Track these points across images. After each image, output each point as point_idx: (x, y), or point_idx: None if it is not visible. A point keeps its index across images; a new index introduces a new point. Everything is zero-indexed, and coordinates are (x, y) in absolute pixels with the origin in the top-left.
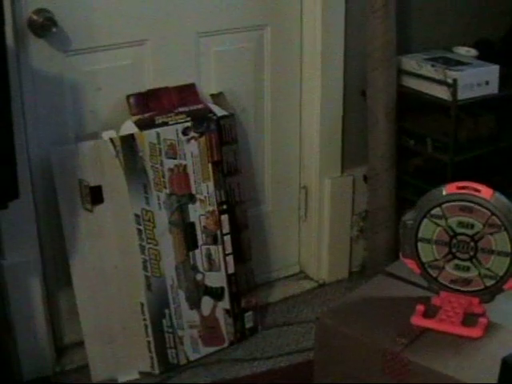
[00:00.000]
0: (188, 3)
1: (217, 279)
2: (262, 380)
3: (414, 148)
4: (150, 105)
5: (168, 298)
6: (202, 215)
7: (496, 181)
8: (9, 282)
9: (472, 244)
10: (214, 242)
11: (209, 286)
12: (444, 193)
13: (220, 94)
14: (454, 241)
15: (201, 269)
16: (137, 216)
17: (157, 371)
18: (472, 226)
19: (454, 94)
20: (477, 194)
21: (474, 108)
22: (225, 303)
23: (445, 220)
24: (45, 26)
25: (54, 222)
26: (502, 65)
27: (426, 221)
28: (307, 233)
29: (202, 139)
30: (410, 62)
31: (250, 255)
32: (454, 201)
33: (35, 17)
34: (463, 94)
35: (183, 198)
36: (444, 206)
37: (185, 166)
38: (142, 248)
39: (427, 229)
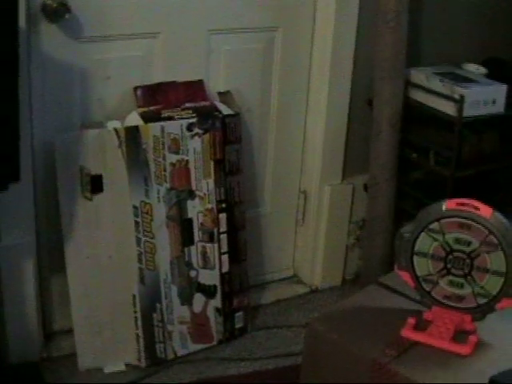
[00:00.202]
0: (202, 0)
1: (210, 277)
2: (248, 381)
3: (416, 160)
4: (157, 98)
5: (160, 293)
6: (200, 212)
7: (496, 199)
8: (2, 265)
9: (468, 261)
10: (211, 239)
11: (202, 284)
12: (443, 208)
13: (227, 92)
14: (450, 257)
15: (195, 265)
16: (135, 208)
17: (143, 364)
18: (469, 244)
19: (460, 110)
20: (476, 211)
21: (479, 125)
22: (216, 301)
23: (442, 235)
24: (58, 11)
25: (52, 207)
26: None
27: (423, 234)
28: (303, 237)
29: (206, 136)
30: (418, 75)
31: (246, 256)
32: (452, 217)
33: (49, 1)
34: (469, 111)
35: (183, 194)
36: (443, 221)
37: (187, 162)
38: (138, 240)
39: (424, 243)
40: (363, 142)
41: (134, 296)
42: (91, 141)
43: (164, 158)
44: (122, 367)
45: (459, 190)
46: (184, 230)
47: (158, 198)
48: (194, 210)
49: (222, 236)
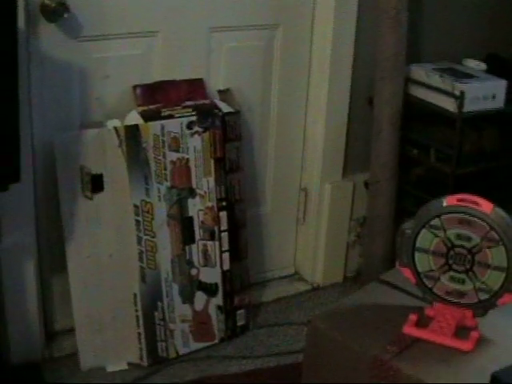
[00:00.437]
0: None
1: (211, 275)
2: (250, 379)
3: (417, 157)
4: (157, 96)
5: (161, 291)
6: (201, 210)
7: (497, 195)
8: (3, 265)
9: (469, 257)
10: (211, 237)
11: (203, 282)
12: (444, 204)
13: (227, 90)
14: (452, 252)
15: (196, 264)
16: (136, 207)
17: (145, 363)
18: (470, 239)
19: (460, 106)
20: (477, 207)
21: (479, 121)
22: (218, 300)
23: (443, 231)
24: (57, 10)
25: (53, 207)
26: (511, 80)
27: (424, 231)
28: (304, 235)
29: (206, 134)
30: (418, 72)
31: (247, 254)
32: (453, 213)
33: (48, 1)
34: (469, 107)
35: (183, 192)
36: (443, 217)
37: (187, 160)
38: (139, 239)
39: (425, 239)
40: (363, 140)
41: (135, 295)
42: (91, 140)
43: (164, 157)
44: (125, 366)
45: (460, 187)
46: (185, 228)
47: (159, 196)
48: (195, 208)
49: (222, 234)
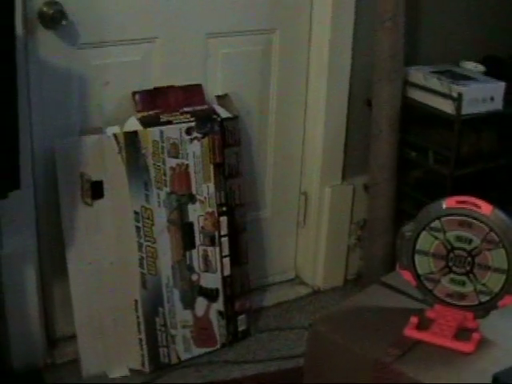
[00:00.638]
0: (198, 4)
1: (212, 280)
2: (252, 383)
3: (416, 160)
4: (156, 103)
5: (162, 297)
6: (201, 216)
7: (495, 197)
8: (4, 271)
9: (469, 259)
10: (212, 243)
11: (204, 287)
12: (444, 206)
13: (225, 95)
14: (452, 255)
15: (197, 269)
16: (136, 213)
17: (147, 369)
18: (470, 241)
19: (458, 108)
20: (476, 209)
21: (477, 123)
22: (219, 305)
23: (443, 233)
24: (55, 18)
25: (53, 214)
26: (509, 82)
27: (424, 233)
28: (305, 239)
29: (205, 140)
30: (416, 74)
31: (247, 258)
32: (453, 215)
33: (45, 9)
34: (467, 109)
35: (183, 198)
36: (443, 219)
37: (186, 166)
38: (140, 245)
39: (425, 241)
40: (362, 143)
41: (136, 301)
42: (91, 147)
43: (164, 163)
44: (126, 372)
45: (459, 188)
46: (185, 234)
47: (159, 202)
48: (195, 213)
49: (223, 239)
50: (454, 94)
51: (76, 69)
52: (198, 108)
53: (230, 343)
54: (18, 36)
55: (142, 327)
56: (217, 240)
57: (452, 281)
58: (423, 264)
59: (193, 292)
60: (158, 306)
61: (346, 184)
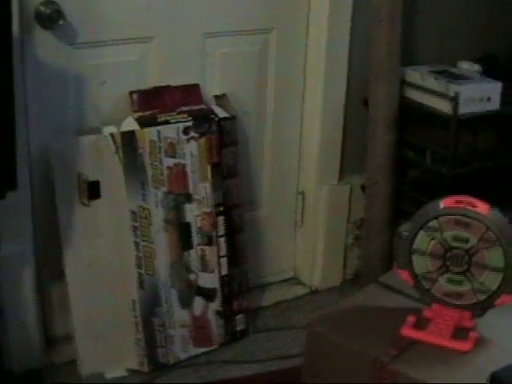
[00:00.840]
0: (196, 3)
1: (210, 280)
2: (250, 383)
3: (413, 159)
4: (153, 102)
5: (160, 297)
6: (198, 216)
7: (493, 196)
8: (2, 273)
9: (466, 258)
10: (209, 243)
11: (201, 287)
12: (441, 206)
13: (223, 95)
14: (449, 254)
15: (194, 269)
16: (133, 213)
17: (146, 369)
18: (467, 241)
19: (455, 107)
20: (473, 208)
21: (475, 123)
22: (217, 304)
23: (440, 233)
24: (52, 18)
25: (50, 214)
26: (506, 81)
27: (421, 233)
28: (302, 239)
29: (202, 140)
30: (413, 74)
31: (245, 258)
32: (450, 214)
33: (42, 8)
34: (464, 109)
35: (180, 198)
36: (440, 219)
37: (184, 166)
38: (137, 245)
39: (422, 241)
40: (360, 142)
41: (134, 301)
42: (88, 147)
43: (161, 163)
44: (124, 373)
45: (456, 188)
46: (182, 233)
47: (156, 202)
48: (192, 213)
49: (220, 239)
50: (451, 94)
51: (73, 68)
52: (196, 108)
53: (228, 343)
54: (15, 36)
55: (140, 327)
56: (214, 240)
57: (449, 280)
58: (420, 263)
59: (190, 292)
60: (156, 306)
61: (343, 183)
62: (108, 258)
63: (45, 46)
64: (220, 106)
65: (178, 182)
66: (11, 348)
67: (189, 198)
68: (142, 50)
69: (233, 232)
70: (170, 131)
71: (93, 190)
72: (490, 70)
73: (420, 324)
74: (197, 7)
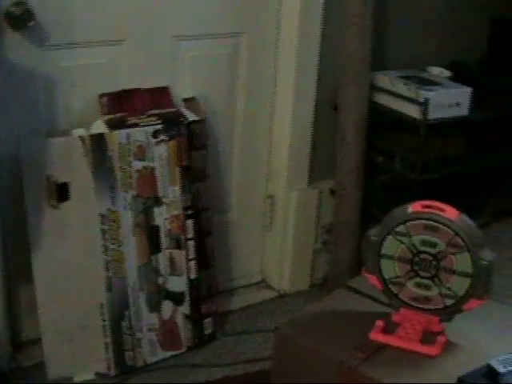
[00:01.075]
0: (167, 7)
1: (178, 284)
2: None
3: (383, 165)
4: (122, 105)
5: (128, 300)
6: (167, 219)
7: (461, 202)
8: None
9: (434, 263)
10: (178, 246)
11: (170, 290)
12: (409, 211)
13: (193, 98)
14: (417, 259)
15: (163, 272)
16: (102, 216)
17: (113, 373)
18: (435, 245)
19: (424, 113)
20: (442, 213)
21: (444, 128)
22: (185, 308)
23: (408, 238)
24: (22, 19)
25: (19, 216)
26: (476, 88)
27: (389, 237)
28: (271, 243)
29: (172, 143)
30: (383, 79)
31: (213, 261)
32: (418, 219)
33: (13, 8)
34: (434, 114)
35: (149, 201)
36: (408, 223)
37: (152, 169)
38: (105, 248)
39: (391, 245)
40: (329, 147)
41: (102, 304)
42: (57, 149)
43: (130, 165)
44: (92, 376)
45: (425, 193)
46: (151, 237)
47: (125, 205)
48: (161, 216)
49: (189, 242)
50: (421, 99)
51: (43, 70)
52: (165, 111)
53: (196, 346)
54: None
55: (108, 330)
56: (183, 243)
57: (417, 285)
58: (389, 268)
59: (159, 295)
60: (124, 310)
61: (312, 188)
62: (77, 261)
63: (15, 47)
64: (189, 108)
65: (147, 185)
66: None
67: (158, 201)
68: (113, 53)
69: (201, 235)
70: (139, 134)
71: (62, 193)
72: (460, 75)
73: (388, 328)
74: (168, 10)
